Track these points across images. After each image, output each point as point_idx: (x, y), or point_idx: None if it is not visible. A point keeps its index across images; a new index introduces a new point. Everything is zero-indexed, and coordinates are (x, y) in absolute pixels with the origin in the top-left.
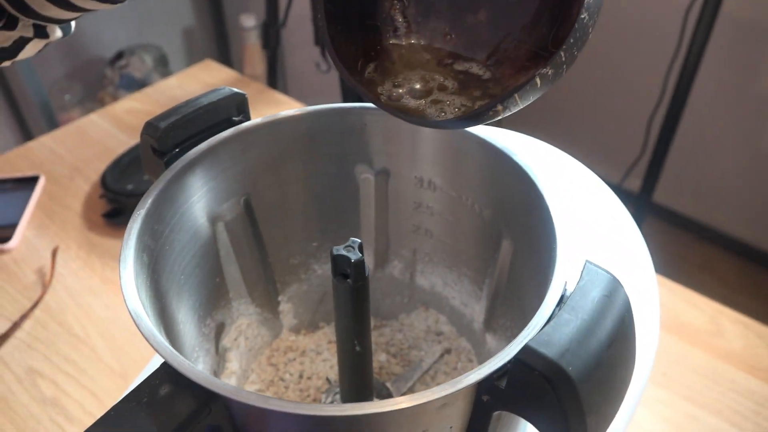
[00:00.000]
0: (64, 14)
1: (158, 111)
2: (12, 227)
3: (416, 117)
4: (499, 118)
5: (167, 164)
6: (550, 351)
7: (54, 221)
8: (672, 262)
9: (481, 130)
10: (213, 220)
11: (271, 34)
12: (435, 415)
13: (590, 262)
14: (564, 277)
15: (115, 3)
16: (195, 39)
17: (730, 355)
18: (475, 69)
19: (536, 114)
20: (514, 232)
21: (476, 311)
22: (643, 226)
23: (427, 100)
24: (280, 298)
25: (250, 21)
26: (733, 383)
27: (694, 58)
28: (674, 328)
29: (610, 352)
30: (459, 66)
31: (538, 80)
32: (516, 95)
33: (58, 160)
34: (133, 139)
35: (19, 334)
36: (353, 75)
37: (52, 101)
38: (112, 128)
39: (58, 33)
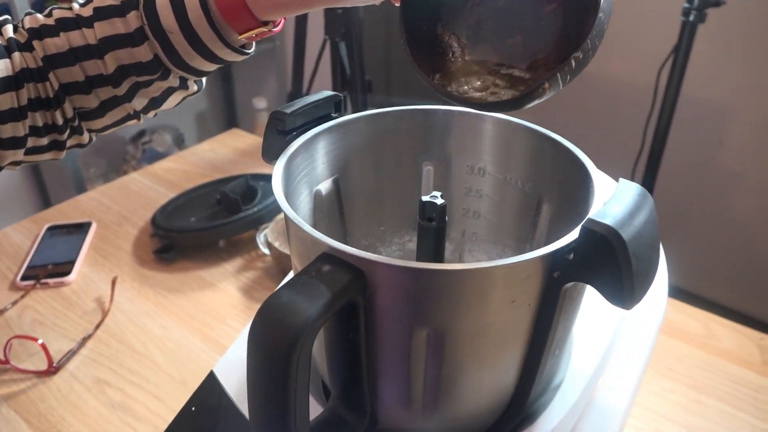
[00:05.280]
0: (206, 65)
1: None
2: (71, 263)
3: (480, 103)
4: (547, 96)
5: (288, 142)
6: (608, 220)
7: (108, 259)
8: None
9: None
10: (315, 192)
11: None
12: (522, 284)
13: (623, 179)
14: (604, 196)
15: (245, 54)
16: (207, 121)
17: (724, 353)
18: (517, 73)
19: None
20: (552, 195)
21: None
22: None
23: (486, 93)
24: None
25: (261, 103)
26: (730, 375)
27: (666, 116)
28: (674, 333)
29: (646, 231)
30: (504, 71)
31: (573, 62)
32: (558, 74)
33: (106, 209)
34: (173, 192)
35: (83, 351)
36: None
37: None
38: (152, 183)
39: (194, 87)
